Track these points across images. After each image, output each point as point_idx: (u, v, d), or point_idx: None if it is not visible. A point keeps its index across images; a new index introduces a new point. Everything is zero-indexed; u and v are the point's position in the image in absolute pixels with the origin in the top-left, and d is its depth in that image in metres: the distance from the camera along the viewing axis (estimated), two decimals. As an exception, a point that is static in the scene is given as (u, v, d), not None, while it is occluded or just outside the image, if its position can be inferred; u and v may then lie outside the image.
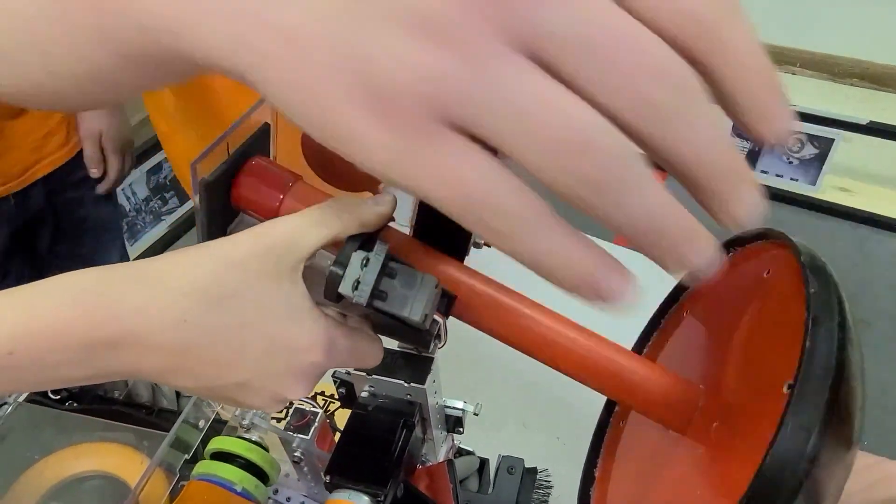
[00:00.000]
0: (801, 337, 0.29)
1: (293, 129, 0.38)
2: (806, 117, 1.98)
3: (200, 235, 0.34)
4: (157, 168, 2.01)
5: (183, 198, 2.12)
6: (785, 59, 2.56)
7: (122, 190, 1.88)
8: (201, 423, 0.55)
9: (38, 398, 0.60)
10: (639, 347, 0.49)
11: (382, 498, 0.39)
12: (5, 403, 0.66)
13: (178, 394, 0.67)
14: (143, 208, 2.00)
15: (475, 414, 0.49)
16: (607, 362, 0.36)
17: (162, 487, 0.56)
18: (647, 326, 0.49)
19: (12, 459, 0.59)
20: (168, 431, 0.59)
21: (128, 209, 1.95)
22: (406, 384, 0.42)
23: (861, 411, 0.31)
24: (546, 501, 0.59)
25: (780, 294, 0.36)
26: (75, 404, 0.61)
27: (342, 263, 0.28)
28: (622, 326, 0.51)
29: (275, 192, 0.33)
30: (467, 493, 0.59)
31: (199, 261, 0.28)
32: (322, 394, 0.66)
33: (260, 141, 0.37)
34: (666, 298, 0.49)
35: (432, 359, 0.43)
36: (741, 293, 0.41)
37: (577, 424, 0.55)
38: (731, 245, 0.43)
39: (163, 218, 2.08)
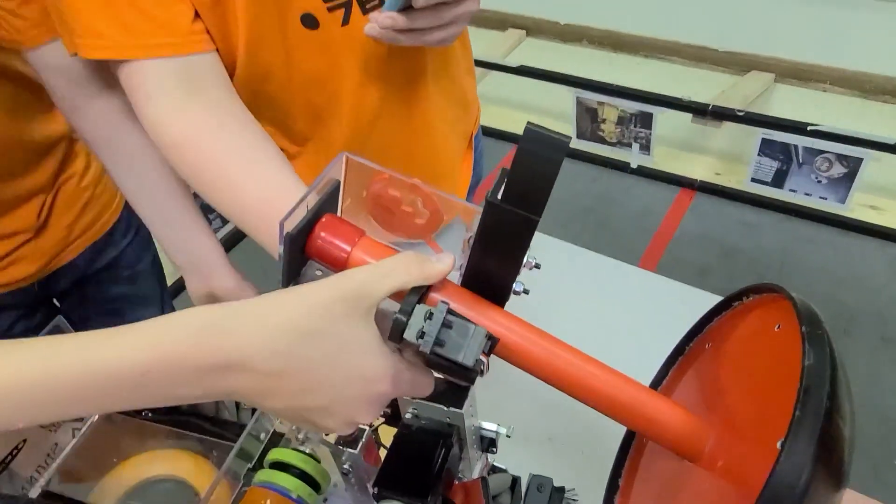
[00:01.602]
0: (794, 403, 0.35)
1: (358, 186, 0.44)
2: (834, 137, 1.99)
3: (282, 279, 0.41)
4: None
5: (225, 218, 2.22)
6: (814, 76, 2.56)
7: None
8: (262, 436, 0.62)
9: (120, 411, 0.68)
10: (663, 371, 0.55)
11: (424, 507, 0.45)
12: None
13: (237, 407, 0.74)
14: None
15: (507, 436, 0.55)
16: (632, 402, 0.42)
17: (226, 494, 0.63)
18: (670, 355, 0.55)
19: (97, 462, 0.67)
20: (229, 440, 0.66)
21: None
22: (446, 408, 0.48)
23: (847, 463, 0.36)
24: (571, 516, 0.64)
25: (784, 352, 0.40)
26: (150, 414, 0.69)
27: (407, 312, 0.35)
28: (647, 356, 0.57)
29: (344, 246, 0.40)
30: (500, 507, 0.64)
31: (293, 303, 0.35)
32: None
33: (331, 197, 0.43)
34: (689, 331, 0.54)
35: (469, 387, 0.49)
36: (755, 341, 0.46)
37: (599, 440, 0.61)
38: (748, 293, 0.48)
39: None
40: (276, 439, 0.64)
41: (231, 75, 0.71)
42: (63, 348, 0.33)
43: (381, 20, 0.63)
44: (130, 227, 1.03)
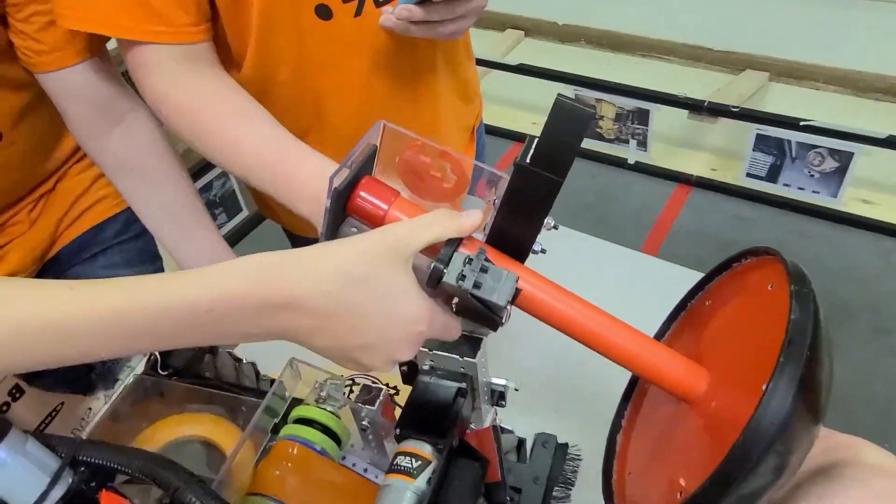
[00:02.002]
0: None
1: (390, 152, 0.48)
2: (824, 132, 2.04)
3: (324, 231, 0.45)
4: (208, 187, 2.16)
5: (231, 213, 2.27)
6: (808, 75, 2.61)
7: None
8: (286, 394, 0.66)
9: (150, 372, 0.72)
10: (666, 325, 0.59)
11: (442, 446, 0.49)
12: (117, 380, 0.78)
13: (257, 374, 0.79)
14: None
15: (516, 389, 0.59)
16: (638, 349, 0.47)
17: (251, 454, 0.67)
18: (672, 311, 0.59)
19: (127, 426, 0.71)
20: (252, 405, 0.70)
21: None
22: (460, 358, 0.52)
23: (824, 404, 0.40)
24: (575, 471, 0.68)
25: (775, 308, 0.44)
26: (178, 379, 0.73)
27: (444, 261, 0.40)
28: (648, 327, 0.61)
29: (382, 205, 0.45)
30: (508, 463, 0.69)
31: (343, 251, 0.39)
32: (387, 385, 0.77)
33: (368, 160, 0.47)
34: (691, 289, 0.58)
35: (482, 339, 0.53)
36: (750, 298, 0.50)
37: (600, 412, 0.65)
38: (746, 255, 0.52)
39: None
40: (296, 403, 0.68)
41: (241, 61, 0.75)
42: (143, 284, 0.37)
43: (398, 11, 0.67)
44: (126, 231, 1.00)
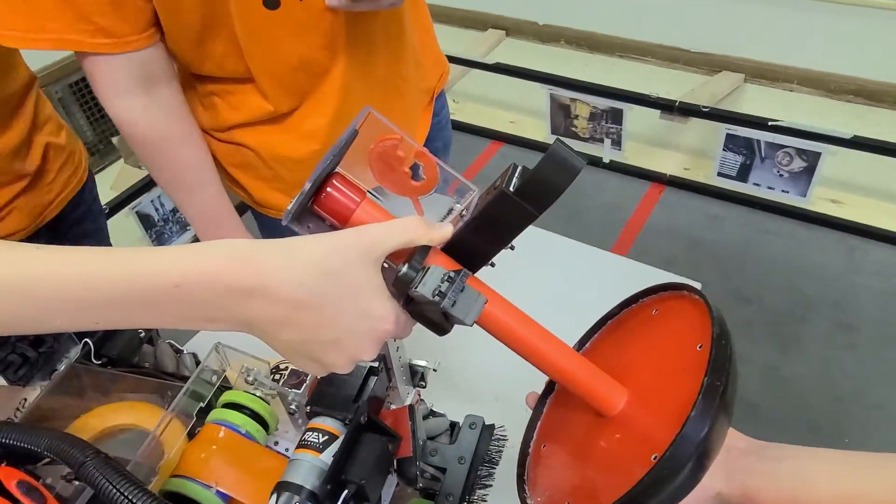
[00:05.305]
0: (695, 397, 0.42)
1: (366, 138, 0.47)
2: (791, 132, 2.07)
3: (293, 209, 0.44)
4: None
5: (185, 225, 2.27)
6: (781, 76, 2.64)
7: (152, 201, 2.04)
8: (213, 378, 0.67)
9: (85, 362, 0.72)
10: (591, 332, 0.61)
11: (348, 421, 0.50)
12: (55, 370, 0.79)
13: (196, 363, 0.79)
14: (170, 218, 2.15)
15: (434, 370, 0.60)
16: (574, 369, 0.49)
17: (178, 431, 0.67)
18: (593, 326, 0.61)
19: (61, 414, 0.71)
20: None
21: (156, 219, 2.10)
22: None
23: (728, 420, 0.44)
24: (501, 451, 0.69)
25: (700, 361, 0.46)
26: (113, 368, 0.73)
27: (416, 269, 0.40)
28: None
29: (351, 204, 0.45)
30: (437, 444, 0.70)
31: (318, 245, 0.38)
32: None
33: (347, 143, 0.46)
34: (616, 305, 0.60)
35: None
36: (678, 342, 0.52)
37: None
38: (676, 287, 0.55)
39: (188, 228, 2.22)
40: (226, 388, 0.69)
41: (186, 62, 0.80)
42: (113, 253, 0.36)
43: None
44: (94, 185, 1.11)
